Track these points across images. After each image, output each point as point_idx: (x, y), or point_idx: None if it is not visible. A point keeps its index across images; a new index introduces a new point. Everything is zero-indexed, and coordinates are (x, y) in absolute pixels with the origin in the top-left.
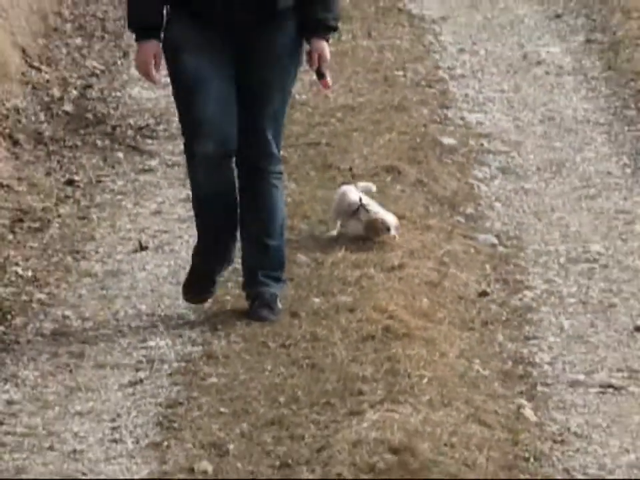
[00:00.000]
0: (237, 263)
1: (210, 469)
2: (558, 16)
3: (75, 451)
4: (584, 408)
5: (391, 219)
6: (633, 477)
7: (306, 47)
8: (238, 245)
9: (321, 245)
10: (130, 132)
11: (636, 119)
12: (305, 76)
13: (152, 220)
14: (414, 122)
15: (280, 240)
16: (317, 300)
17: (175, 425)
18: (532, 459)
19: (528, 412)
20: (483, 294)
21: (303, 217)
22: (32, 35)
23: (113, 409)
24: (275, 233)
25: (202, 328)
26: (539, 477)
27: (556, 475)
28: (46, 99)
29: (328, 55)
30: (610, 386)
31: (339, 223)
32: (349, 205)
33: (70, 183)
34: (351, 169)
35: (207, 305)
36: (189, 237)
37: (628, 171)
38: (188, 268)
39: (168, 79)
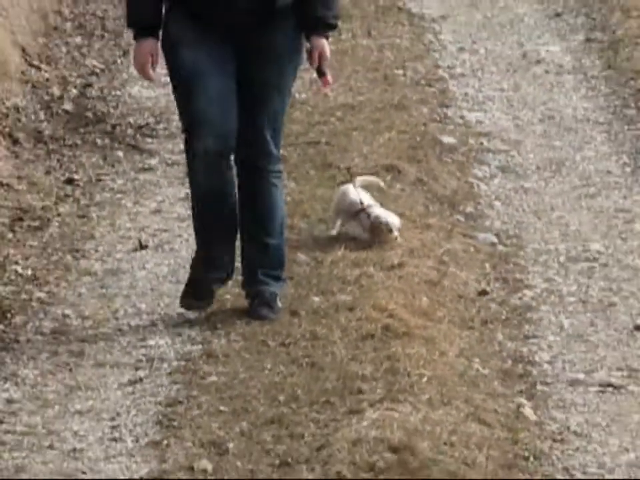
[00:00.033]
0: (237, 262)
1: (210, 467)
2: (558, 15)
3: (74, 450)
4: (584, 407)
5: (393, 220)
6: (632, 476)
7: (306, 45)
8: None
9: (320, 244)
10: (130, 131)
11: (636, 117)
12: (305, 75)
13: (152, 219)
14: (414, 121)
15: (280, 239)
16: (316, 299)
17: (175, 423)
18: (532, 458)
19: (527, 411)
20: (483, 293)
21: (302, 216)
22: (32, 33)
23: (113, 407)
24: (275, 231)
25: (201, 327)
26: (538, 476)
27: (556, 474)
28: (46, 97)
29: (328, 53)
30: (609, 385)
31: (338, 222)
32: (350, 205)
33: (70, 181)
34: (348, 169)
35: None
36: (188, 235)
37: (628, 169)
38: (187, 278)
39: (167, 78)
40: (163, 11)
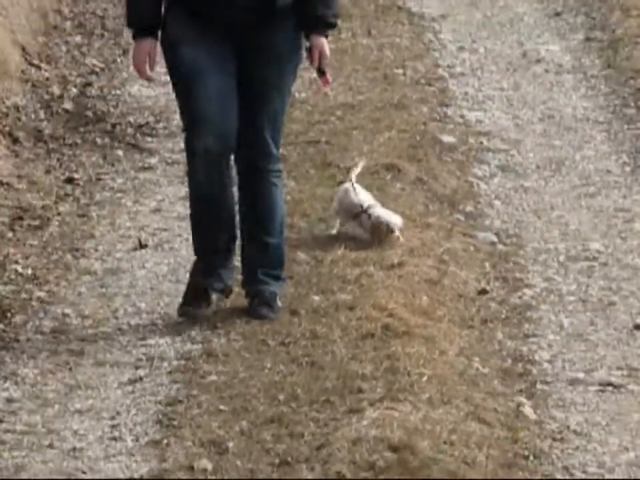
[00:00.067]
0: (237, 261)
1: (209, 466)
2: (557, 14)
3: (74, 449)
4: (583, 406)
5: (395, 220)
6: (632, 475)
7: (305, 44)
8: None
9: (320, 243)
10: (130, 130)
11: (635, 117)
12: (305, 74)
13: (151, 218)
14: (414, 120)
15: (279, 238)
16: (316, 298)
17: (175, 422)
18: (531, 457)
19: (527, 410)
20: (483, 292)
21: (302, 215)
22: (32, 32)
23: (113, 406)
24: (275, 231)
25: (201, 326)
26: (538, 475)
27: (555, 473)
28: (46, 96)
29: (328, 52)
30: (609, 384)
31: (338, 221)
32: (350, 207)
33: (70, 180)
34: (348, 171)
35: None
36: (188, 234)
37: (627, 169)
38: (185, 287)
39: (167, 77)
40: (163, 10)
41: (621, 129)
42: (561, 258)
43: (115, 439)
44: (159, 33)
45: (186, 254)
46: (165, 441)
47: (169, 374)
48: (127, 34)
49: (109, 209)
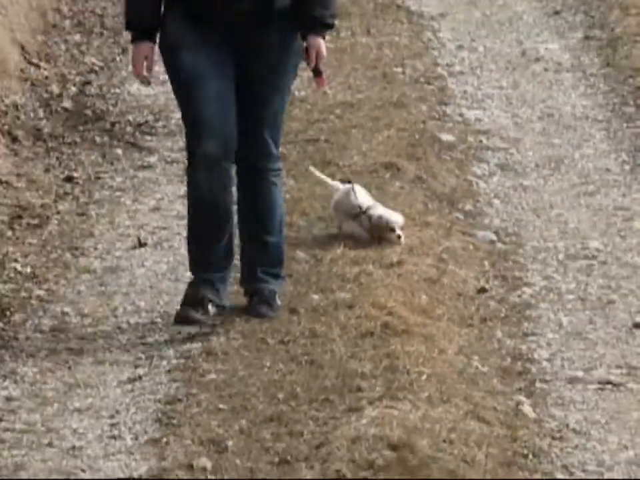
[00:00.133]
0: (236, 260)
1: (209, 465)
2: (556, 12)
3: (73, 448)
4: (583, 404)
5: (396, 218)
6: (631, 474)
7: (302, 43)
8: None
9: (319, 242)
10: (129, 128)
11: (634, 115)
12: (304, 72)
13: (151, 216)
14: (413, 118)
15: (279, 236)
16: (315, 296)
17: (174, 421)
18: (531, 456)
19: (527, 408)
20: (482, 290)
21: (301, 214)
22: (31, 31)
23: (112, 405)
24: (274, 229)
25: (201, 325)
26: (537, 474)
27: (555, 472)
28: (45, 95)
29: (325, 52)
30: (609, 382)
31: (338, 220)
32: (350, 207)
33: (69, 179)
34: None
35: None
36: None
37: (627, 167)
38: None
39: (165, 76)
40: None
41: (620, 127)
42: (560, 256)
43: (114, 437)
44: (157, 36)
45: (185, 252)
46: (165, 440)
47: (168, 372)
48: (126, 33)
49: (108, 207)
